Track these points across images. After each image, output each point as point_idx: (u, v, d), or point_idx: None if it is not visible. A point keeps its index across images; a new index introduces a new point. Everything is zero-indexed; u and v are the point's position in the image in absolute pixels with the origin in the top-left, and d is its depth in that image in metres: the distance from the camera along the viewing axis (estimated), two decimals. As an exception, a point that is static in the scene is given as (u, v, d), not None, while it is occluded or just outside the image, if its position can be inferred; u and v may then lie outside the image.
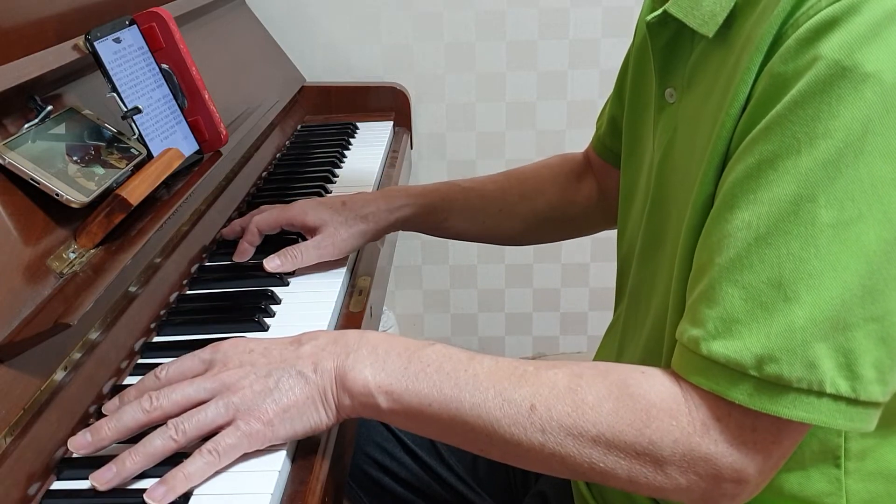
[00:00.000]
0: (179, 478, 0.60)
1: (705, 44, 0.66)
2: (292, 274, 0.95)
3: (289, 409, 0.63)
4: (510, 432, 0.60)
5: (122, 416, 0.63)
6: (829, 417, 0.55)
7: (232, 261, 0.97)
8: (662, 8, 0.68)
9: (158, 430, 0.62)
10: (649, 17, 0.69)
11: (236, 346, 0.67)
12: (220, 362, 0.66)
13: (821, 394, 0.54)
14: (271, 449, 0.64)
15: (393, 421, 0.65)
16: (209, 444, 0.61)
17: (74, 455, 0.64)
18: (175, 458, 0.62)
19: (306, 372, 0.64)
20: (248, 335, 0.81)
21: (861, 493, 0.66)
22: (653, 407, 0.58)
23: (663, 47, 0.70)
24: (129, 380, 0.76)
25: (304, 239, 0.97)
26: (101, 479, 0.60)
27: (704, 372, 0.57)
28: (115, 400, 0.67)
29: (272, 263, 0.93)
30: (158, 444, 0.61)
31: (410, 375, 0.63)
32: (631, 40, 0.92)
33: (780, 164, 0.55)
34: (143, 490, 0.60)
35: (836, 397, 0.54)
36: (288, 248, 0.94)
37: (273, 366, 0.65)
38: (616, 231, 0.89)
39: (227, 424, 0.62)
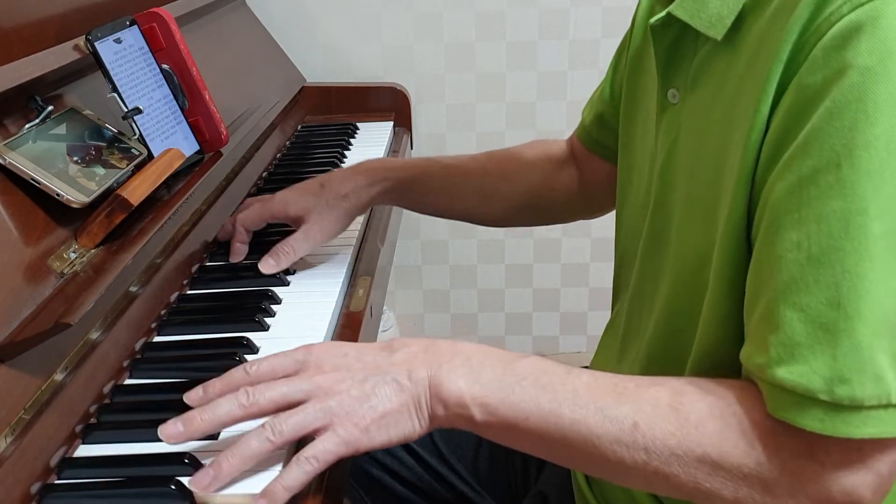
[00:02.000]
0: (279, 490, 0.59)
1: (711, 45, 0.65)
2: (292, 274, 0.95)
3: (385, 416, 0.62)
4: (612, 449, 0.59)
5: (216, 408, 0.62)
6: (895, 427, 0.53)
7: (229, 262, 0.98)
8: (666, 10, 0.67)
9: (255, 430, 0.61)
10: (653, 20, 0.68)
11: (331, 349, 0.66)
12: (314, 364, 0.65)
13: (888, 406, 0.53)
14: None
15: (487, 433, 0.63)
16: (307, 451, 0.60)
17: (74, 455, 0.64)
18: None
19: (401, 380, 0.63)
20: (249, 335, 0.81)
21: None
22: (758, 427, 0.56)
23: (666, 48, 0.70)
24: (129, 380, 0.76)
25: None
26: (201, 484, 0.60)
27: (773, 399, 0.56)
28: (199, 389, 0.65)
29: (267, 264, 0.93)
30: (255, 445, 0.61)
31: (506, 387, 0.62)
32: (622, 38, 0.92)
33: (822, 179, 0.53)
34: (142, 491, 0.60)
35: None
36: (278, 245, 0.94)
37: (369, 371, 0.64)
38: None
39: (324, 429, 0.61)
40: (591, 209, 1.04)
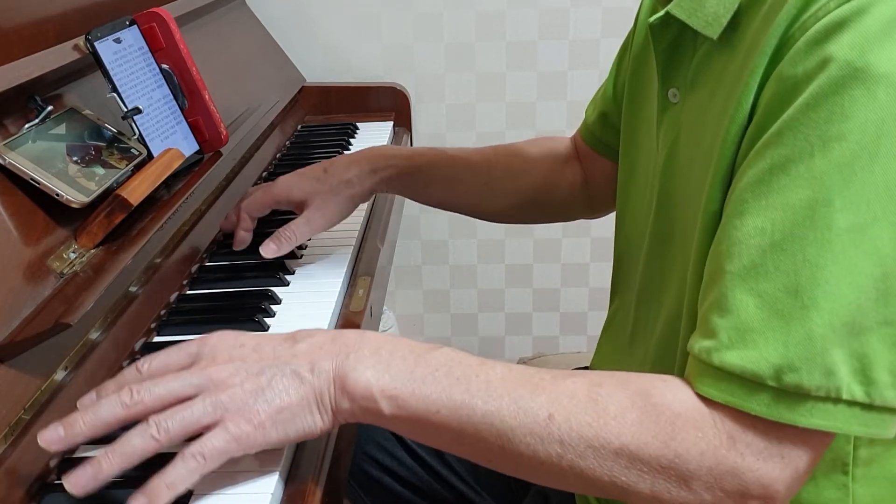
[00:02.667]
0: (161, 488, 0.56)
1: (709, 45, 0.65)
2: (292, 273, 0.95)
3: (282, 411, 0.59)
4: (525, 442, 0.57)
5: (98, 409, 0.58)
6: (845, 424, 0.53)
7: (233, 251, 0.98)
8: (665, 10, 0.67)
9: (138, 427, 0.57)
10: (652, 19, 0.68)
11: (225, 339, 0.62)
12: (207, 356, 0.61)
13: (837, 400, 0.53)
14: (270, 449, 0.63)
15: (396, 427, 0.61)
16: (194, 448, 0.57)
17: (74, 455, 0.64)
18: (159, 459, 0.58)
19: (302, 372, 0.60)
20: (249, 335, 0.81)
21: (867, 497, 0.65)
22: (678, 418, 0.55)
23: (666, 48, 0.70)
24: (129, 380, 0.76)
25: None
26: (77, 484, 0.56)
27: (718, 383, 0.55)
28: (92, 394, 0.62)
29: (268, 248, 0.92)
30: (138, 442, 0.56)
31: (417, 379, 0.59)
32: (625, 37, 0.92)
33: (792, 168, 0.53)
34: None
35: (851, 403, 0.53)
36: (280, 230, 0.93)
37: (266, 363, 0.60)
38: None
39: (215, 425, 0.58)
40: (593, 208, 1.04)
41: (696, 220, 0.64)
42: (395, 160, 0.98)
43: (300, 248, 1.00)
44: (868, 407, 0.53)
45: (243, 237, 0.98)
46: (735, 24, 0.62)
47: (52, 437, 0.58)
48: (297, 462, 0.66)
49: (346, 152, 1.41)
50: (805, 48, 0.54)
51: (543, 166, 1.02)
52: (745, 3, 0.62)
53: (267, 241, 0.93)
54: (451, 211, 1.06)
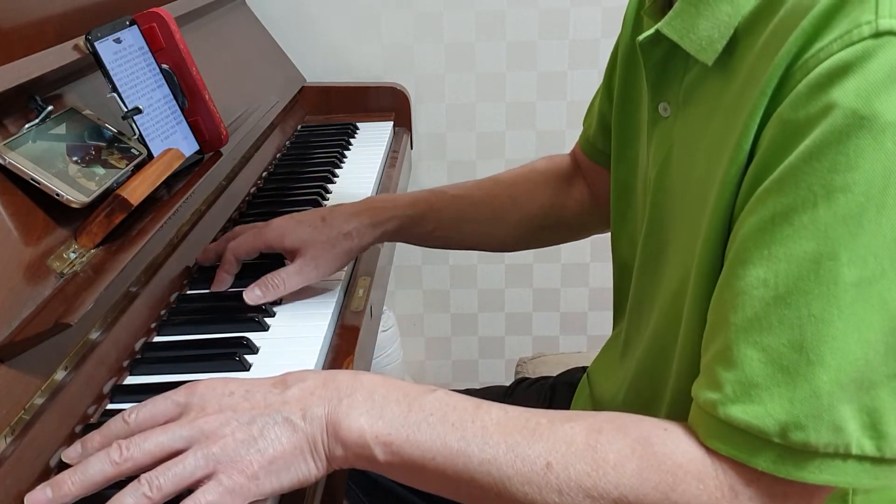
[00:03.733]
0: None
1: (702, 66, 0.63)
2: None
3: (275, 461, 0.57)
4: (523, 491, 0.56)
5: (87, 468, 0.56)
6: (855, 478, 0.52)
7: (210, 291, 0.91)
8: (655, 28, 0.65)
9: (130, 486, 0.55)
10: (641, 38, 0.66)
11: (213, 388, 0.60)
12: (196, 406, 0.59)
13: (847, 456, 0.52)
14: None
15: (390, 474, 0.59)
16: (187, 503, 0.55)
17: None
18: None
19: (294, 419, 0.58)
20: (249, 335, 0.81)
21: None
22: (679, 468, 0.54)
23: (656, 64, 0.67)
24: (129, 380, 0.76)
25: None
26: None
27: (723, 437, 0.54)
28: (77, 446, 0.60)
29: (252, 294, 0.86)
30: (130, 502, 0.55)
31: (411, 425, 0.58)
32: (616, 41, 0.91)
33: (796, 218, 0.52)
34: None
35: (862, 458, 0.52)
36: (268, 276, 0.87)
37: (257, 411, 0.58)
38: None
39: (207, 478, 0.56)
40: (605, 223, 1.00)
41: (693, 248, 0.62)
42: (397, 210, 0.93)
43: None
44: (879, 461, 0.52)
45: (224, 279, 0.91)
46: (731, 49, 0.60)
47: (40, 499, 0.56)
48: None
49: (345, 152, 1.41)
50: (807, 92, 0.52)
51: (549, 188, 1.00)
52: (742, 28, 0.59)
53: (252, 286, 0.86)
54: (459, 250, 1.03)
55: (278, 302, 0.89)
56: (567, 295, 1.91)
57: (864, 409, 0.52)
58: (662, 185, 0.70)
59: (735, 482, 0.54)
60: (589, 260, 1.88)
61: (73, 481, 0.56)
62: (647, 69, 0.68)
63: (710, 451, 0.55)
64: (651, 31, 0.65)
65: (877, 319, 0.51)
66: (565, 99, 1.75)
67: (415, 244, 1.00)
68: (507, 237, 1.00)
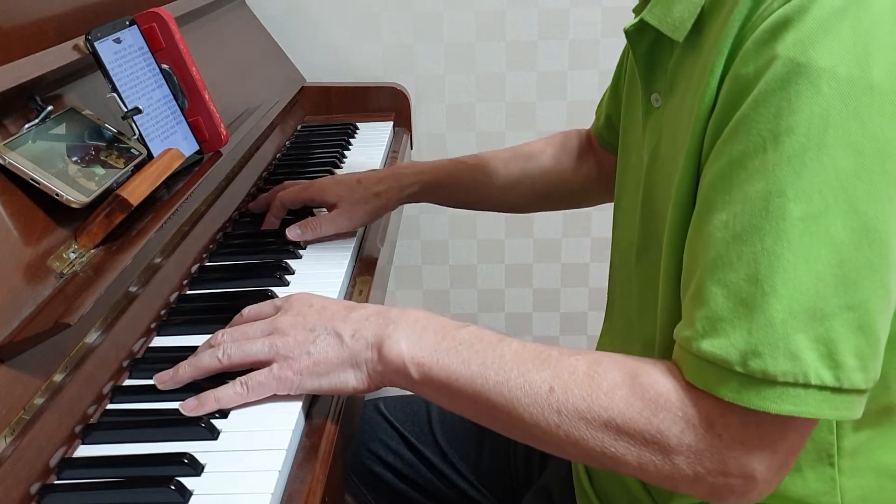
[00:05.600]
0: (210, 398, 0.68)
1: (681, 49, 0.68)
2: (293, 273, 0.95)
3: (319, 364, 0.68)
4: (529, 412, 0.62)
5: (199, 360, 0.71)
6: (816, 408, 0.55)
7: (233, 251, 1.02)
8: (639, 17, 0.69)
9: (210, 349, 0.71)
10: (627, 26, 0.71)
11: (301, 299, 0.73)
12: (284, 309, 0.72)
13: (806, 385, 0.55)
14: (270, 449, 0.65)
15: (423, 392, 0.68)
16: (242, 378, 0.68)
17: (73, 456, 0.65)
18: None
19: (344, 335, 0.69)
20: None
21: (855, 489, 0.67)
22: (660, 397, 0.59)
23: (645, 54, 0.72)
24: (128, 381, 0.76)
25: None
26: (160, 380, 0.71)
27: (697, 371, 0.59)
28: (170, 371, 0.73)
29: (293, 232, 1.00)
30: (206, 360, 0.70)
31: (442, 351, 0.66)
32: None
33: (748, 162, 0.56)
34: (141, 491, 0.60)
35: (821, 387, 0.55)
36: (308, 219, 1.02)
37: (320, 322, 0.70)
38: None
39: (266, 363, 0.69)
40: (609, 194, 1.06)
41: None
42: (421, 176, 1.08)
43: (300, 247, 1.01)
44: (837, 390, 0.55)
45: (272, 222, 1.06)
46: (699, 26, 0.65)
47: (163, 377, 0.71)
48: (297, 459, 0.66)
49: (345, 152, 1.41)
50: (754, 48, 0.57)
51: (560, 162, 1.11)
52: (708, 6, 0.64)
53: (293, 225, 1.01)
54: (477, 210, 1.18)
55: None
56: (567, 295, 1.91)
57: (819, 340, 0.55)
58: (653, 172, 0.73)
59: (710, 413, 0.58)
60: (589, 260, 1.88)
61: (187, 366, 0.71)
62: (636, 58, 0.73)
63: (688, 384, 0.59)
64: (636, 20, 0.70)
65: (824, 252, 0.54)
66: (565, 99, 1.75)
67: (437, 204, 1.13)
68: (515, 203, 1.14)
